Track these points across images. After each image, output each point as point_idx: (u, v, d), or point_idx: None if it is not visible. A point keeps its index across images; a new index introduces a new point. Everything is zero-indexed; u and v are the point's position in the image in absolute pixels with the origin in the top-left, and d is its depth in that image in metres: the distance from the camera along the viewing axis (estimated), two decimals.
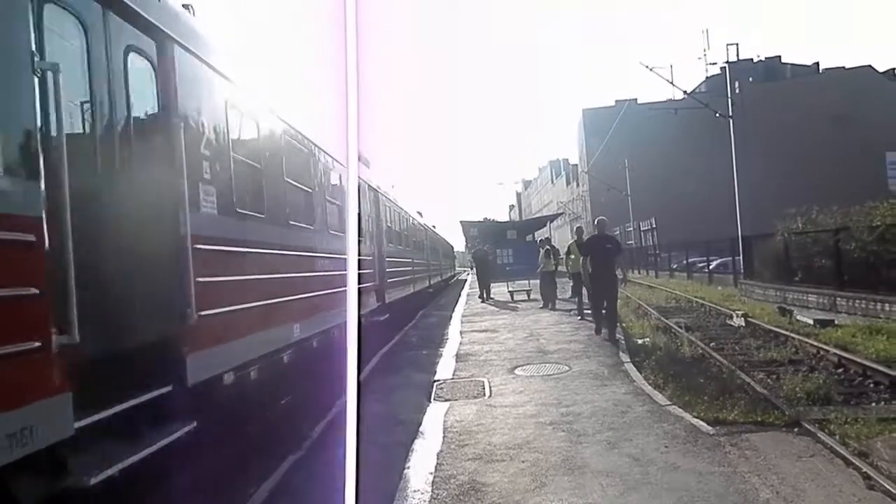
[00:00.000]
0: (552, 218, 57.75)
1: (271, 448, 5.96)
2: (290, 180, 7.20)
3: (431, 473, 5.12)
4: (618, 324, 11.50)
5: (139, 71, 4.30)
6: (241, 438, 5.53)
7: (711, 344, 10.98)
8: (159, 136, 4.49)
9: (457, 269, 69.54)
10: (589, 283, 11.80)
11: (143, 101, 4.40)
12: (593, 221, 12.52)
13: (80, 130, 3.72)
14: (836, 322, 12.14)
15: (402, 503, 4.58)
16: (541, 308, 17.75)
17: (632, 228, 45.60)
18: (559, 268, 18.26)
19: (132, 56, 4.21)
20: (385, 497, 4.67)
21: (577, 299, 15.66)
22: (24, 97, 3.13)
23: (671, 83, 27.86)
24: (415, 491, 4.78)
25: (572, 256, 14.88)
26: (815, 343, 10.00)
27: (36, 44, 3.24)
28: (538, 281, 19.20)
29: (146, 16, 4.27)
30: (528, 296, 21.03)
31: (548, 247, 19.22)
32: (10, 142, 3.03)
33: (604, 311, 11.37)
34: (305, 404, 7.29)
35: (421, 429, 6.44)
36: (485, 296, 22.15)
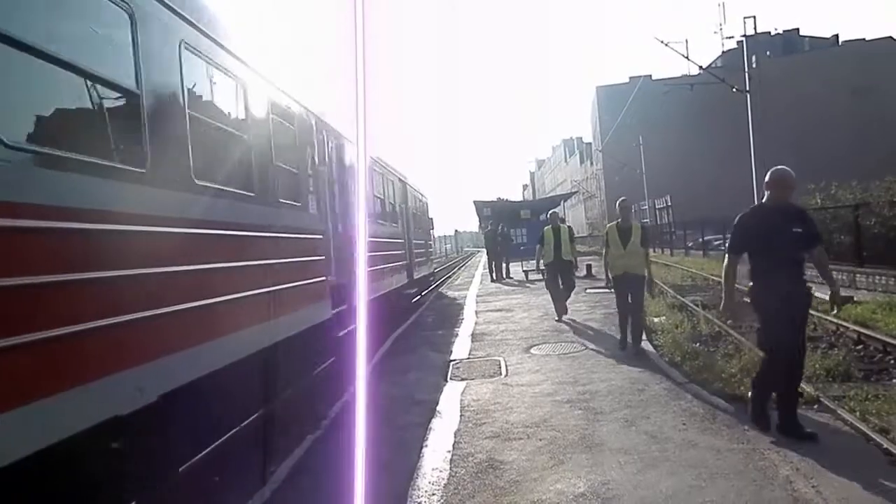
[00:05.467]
0: (566, 197, 57.47)
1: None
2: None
3: (449, 452, 5.16)
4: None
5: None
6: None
7: (728, 321, 10.90)
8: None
9: (453, 253, 56.36)
10: (760, 307, 5.16)
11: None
12: (615, 201, 8.89)
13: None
14: (855, 298, 12.00)
15: (421, 481, 4.62)
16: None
17: (646, 206, 45.27)
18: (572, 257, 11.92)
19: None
20: (404, 475, 4.72)
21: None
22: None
23: (687, 58, 27.54)
24: (433, 469, 4.83)
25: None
26: (834, 320, 9.89)
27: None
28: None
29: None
30: (544, 275, 20.98)
31: (560, 224, 12.08)
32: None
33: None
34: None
35: (438, 408, 6.49)
36: (494, 276, 22.16)
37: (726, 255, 5.37)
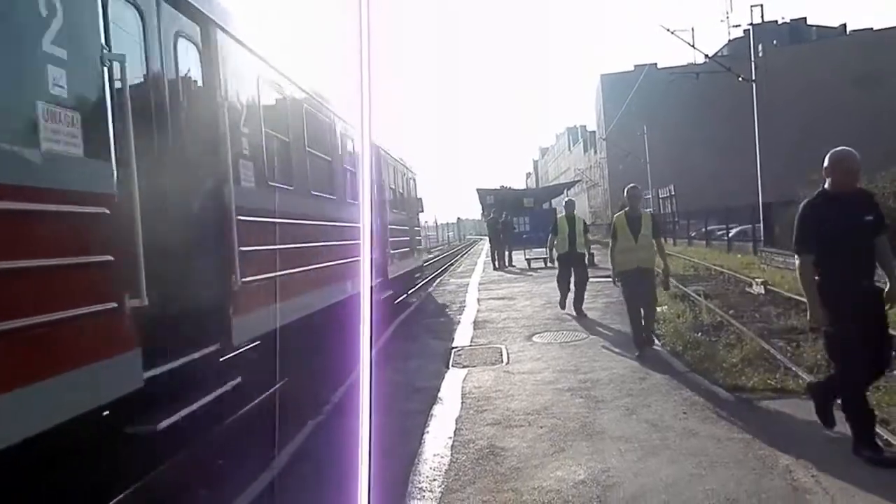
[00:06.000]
0: (569, 185, 57.33)
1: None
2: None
3: (451, 438, 5.18)
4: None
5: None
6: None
7: (730, 311, 10.91)
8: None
9: (455, 241, 52.70)
10: (834, 308, 4.47)
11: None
12: (618, 189, 8.57)
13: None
14: None
15: (423, 466, 4.64)
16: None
17: (650, 196, 45.14)
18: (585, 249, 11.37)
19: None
20: (405, 461, 4.74)
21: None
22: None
23: (692, 46, 27.37)
24: (434, 455, 4.85)
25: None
26: None
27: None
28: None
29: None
30: (546, 263, 20.99)
31: (574, 213, 11.49)
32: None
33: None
34: (327, 369, 7.38)
35: (440, 395, 6.51)
36: (496, 264, 22.26)
37: (797, 258, 4.67)
